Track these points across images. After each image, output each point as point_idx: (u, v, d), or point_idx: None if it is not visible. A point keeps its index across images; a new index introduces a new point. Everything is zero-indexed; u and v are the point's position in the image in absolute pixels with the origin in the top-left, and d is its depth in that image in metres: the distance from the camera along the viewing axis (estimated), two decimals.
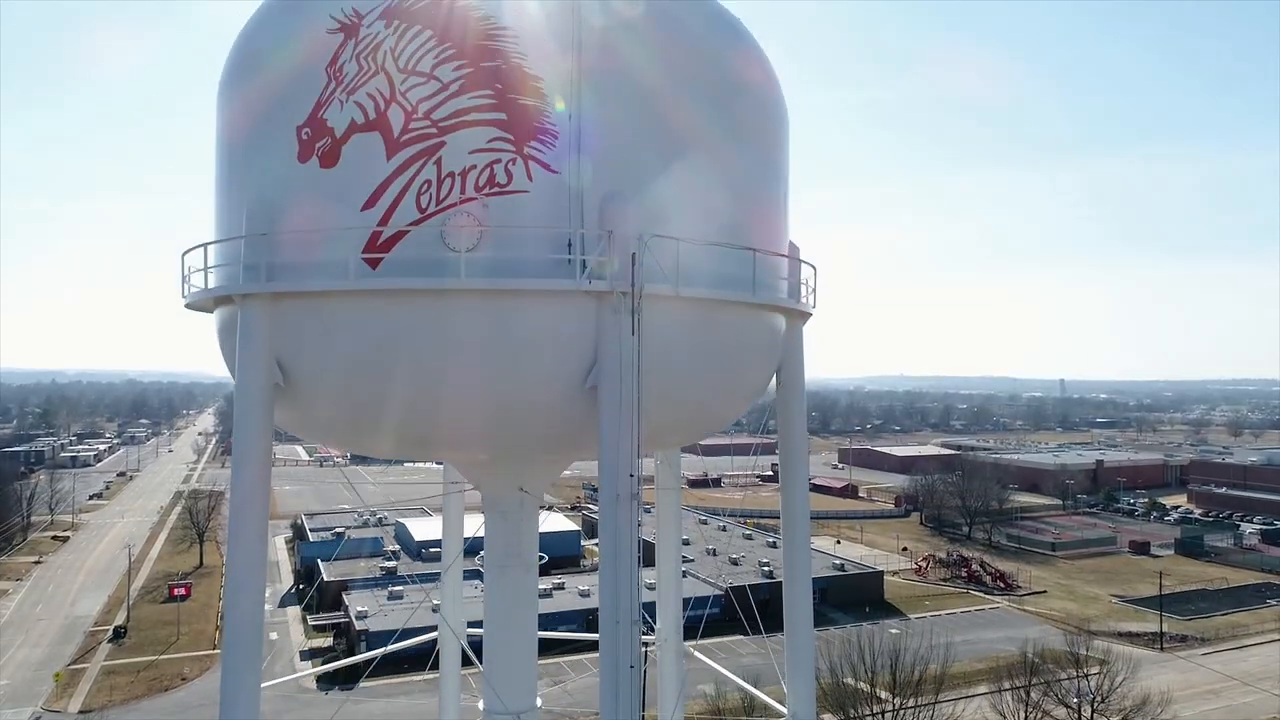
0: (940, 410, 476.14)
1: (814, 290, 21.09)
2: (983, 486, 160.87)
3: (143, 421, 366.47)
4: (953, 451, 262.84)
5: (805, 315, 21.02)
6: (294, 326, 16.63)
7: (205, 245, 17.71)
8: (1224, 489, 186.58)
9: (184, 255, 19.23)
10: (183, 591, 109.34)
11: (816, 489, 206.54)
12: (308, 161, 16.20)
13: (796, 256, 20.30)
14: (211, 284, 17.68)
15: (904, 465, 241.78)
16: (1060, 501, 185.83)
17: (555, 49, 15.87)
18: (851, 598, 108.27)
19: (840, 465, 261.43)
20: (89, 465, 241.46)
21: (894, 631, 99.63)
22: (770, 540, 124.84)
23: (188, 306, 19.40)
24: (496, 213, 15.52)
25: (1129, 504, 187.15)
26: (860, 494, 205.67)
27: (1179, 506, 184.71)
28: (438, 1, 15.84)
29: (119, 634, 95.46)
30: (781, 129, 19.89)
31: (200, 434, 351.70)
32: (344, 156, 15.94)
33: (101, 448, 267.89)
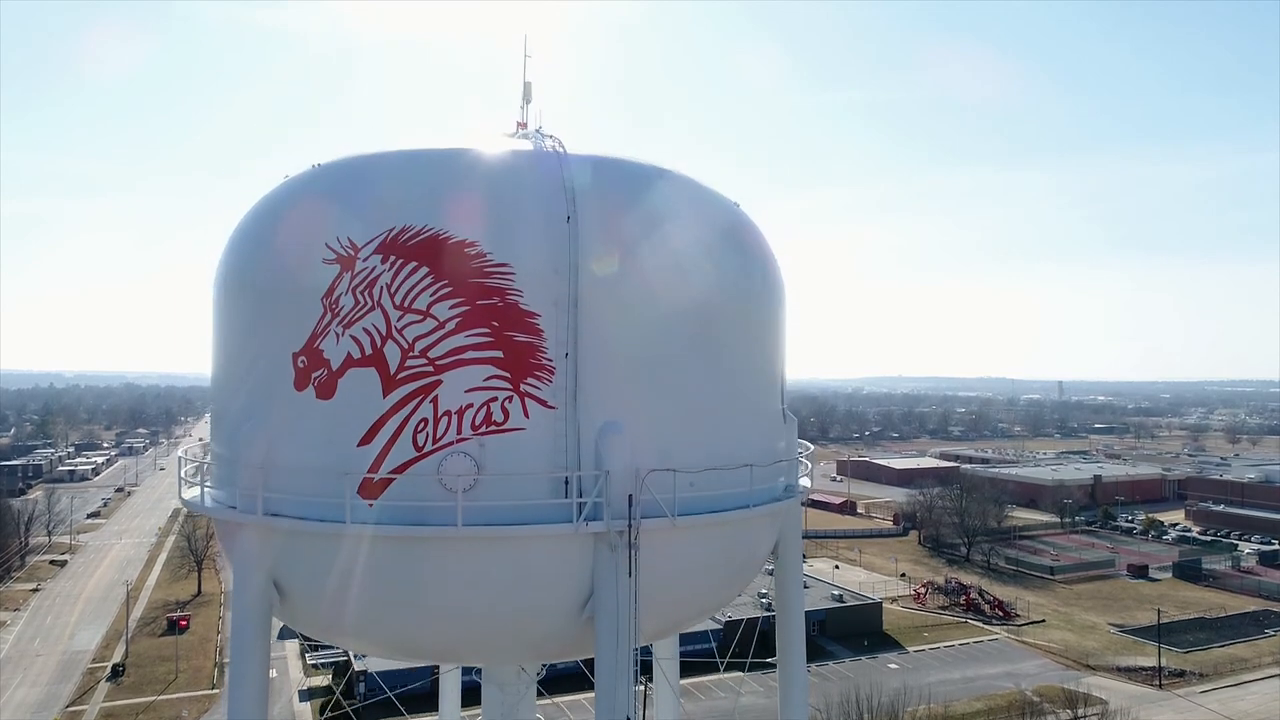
0: (938, 416, 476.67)
1: (810, 467, 21.15)
2: (981, 507, 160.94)
3: (140, 431, 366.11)
4: (951, 464, 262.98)
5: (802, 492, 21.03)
6: (290, 554, 16.61)
7: (202, 463, 17.73)
8: (1222, 506, 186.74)
9: (181, 456, 19.25)
10: (181, 624, 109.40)
11: (815, 504, 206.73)
12: (304, 390, 16.17)
13: (795, 455, 20.32)
14: (209, 501, 17.66)
15: (903, 478, 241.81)
16: (1059, 519, 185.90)
17: (552, 282, 15.87)
18: (850, 630, 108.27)
19: (838, 478, 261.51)
20: (86, 479, 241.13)
21: (893, 667, 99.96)
22: (769, 568, 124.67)
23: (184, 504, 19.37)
24: (493, 452, 15.51)
25: (1127, 520, 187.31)
26: (859, 509, 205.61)
27: (1177, 524, 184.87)
28: (434, 237, 15.81)
29: (117, 672, 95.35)
30: (779, 315, 19.89)
31: (199, 441, 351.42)
32: (340, 390, 15.91)
33: (99, 460, 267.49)
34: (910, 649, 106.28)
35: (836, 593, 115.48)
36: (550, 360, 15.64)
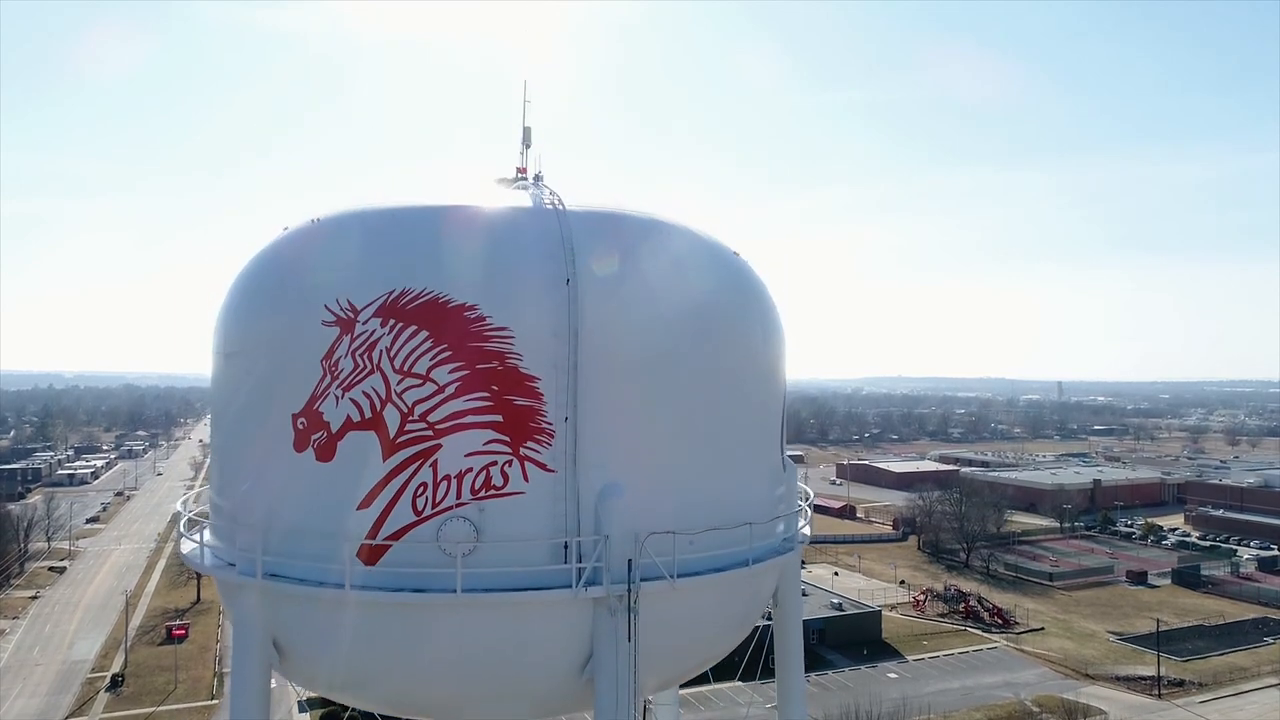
0: (938, 417, 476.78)
1: (810, 516, 21.14)
2: (980, 512, 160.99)
3: (140, 434, 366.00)
4: (950, 467, 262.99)
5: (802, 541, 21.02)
6: (289, 615, 16.59)
7: (201, 524, 17.73)
8: (1221, 511, 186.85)
9: (181, 506, 19.24)
10: (180, 633, 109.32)
11: (815, 508, 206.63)
12: (304, 452, 16.15)
13: (794, 503, 20.32)
14: (208, 560, 17.65)
15: (902, 481, 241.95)
16: (1058, 524, 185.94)
17: (552, 346, 15.86)
18: (849, 638, 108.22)
19: (838, 481, 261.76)
20: (86, 483, 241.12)
21: (892, 676, 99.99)
22: None
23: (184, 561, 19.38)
24: (493, 517, 15.51)
25: (1126, 525, 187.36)
26: (858, 514, 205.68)
27: (1176, 529, 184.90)
28: (434, 300, 15.80)
29: (116, 683, 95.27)
30: (780, 365, 19.89)
31: (199, 443, 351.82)
32: (340, 453, 15.90)
33: (99, 464, 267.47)
34: (910, 658, 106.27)
35: (835, 601, 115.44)
36: (550, 424, 15.64)
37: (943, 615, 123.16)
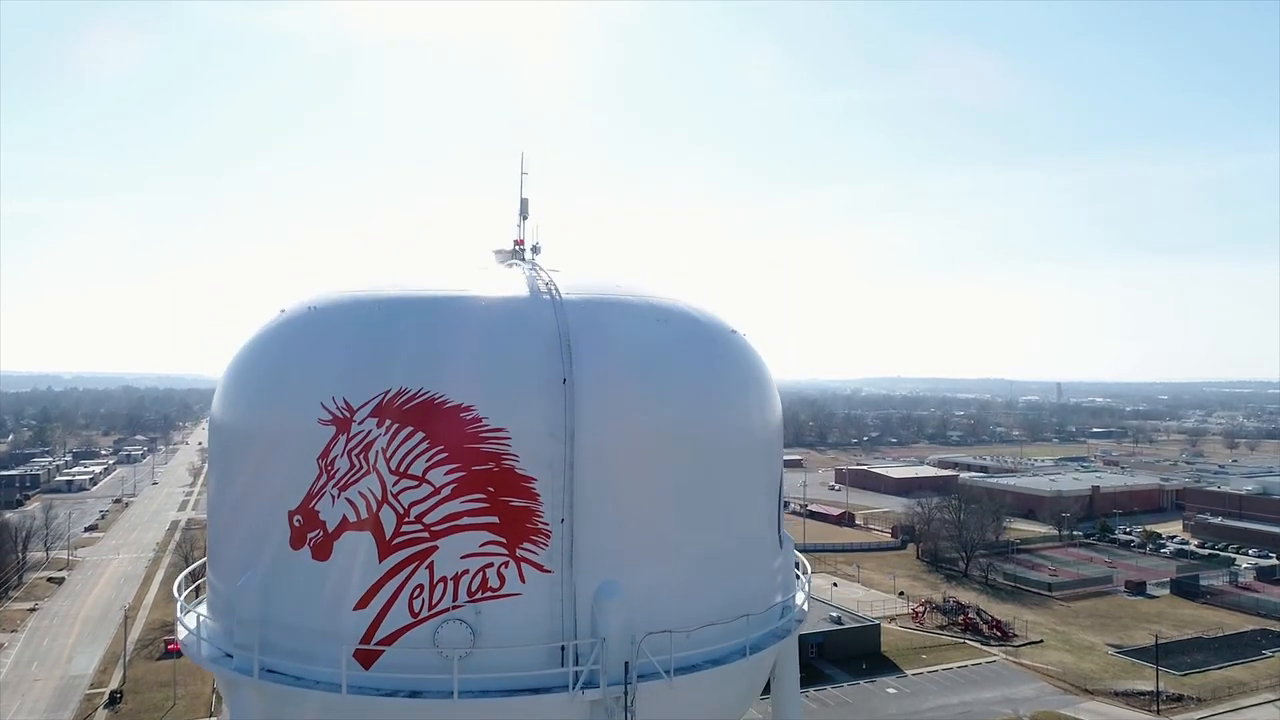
0: (937, 420, 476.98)
1: (809, 588, 21.11)
2: (979, 522, 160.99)
3: (139, 438, 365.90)
4: (949, 472, 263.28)
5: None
6: (285, 711, 16.53)
7: (199, 616, 17.70)
8: (1219, 518, 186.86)
9: (177, 591, 19.21)
10: (178, 647, 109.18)
11: (814, 516, 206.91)
12: (300, 549, 16.13)
13: (791, 573, 20.30)
14: (205, 650, 17.62)
15: (901, 488, 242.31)
16: (1057, 531, 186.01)
17: (548, 446, 15.82)
18: (848, 652, 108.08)
19: (836, 486, 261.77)
20: (84, 490, 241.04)
21: (891, 691, 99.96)
22: None
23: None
24: (490, 619, 15.47)
25: (1125, 533, 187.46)
26: (857, 521, 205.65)
27: (1175, 536, 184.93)
28: (430, 401, 15.76)
29: (115, 699, 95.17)
30: (777, 445, 19.85)
31: (198, 446, 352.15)
32: (336, 552, 15.88)
33: (97, 469, 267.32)
34: (908, 672, 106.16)
35: (834, 614, 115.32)
36: (546, 524, 15.61)
37: (941, 627, 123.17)
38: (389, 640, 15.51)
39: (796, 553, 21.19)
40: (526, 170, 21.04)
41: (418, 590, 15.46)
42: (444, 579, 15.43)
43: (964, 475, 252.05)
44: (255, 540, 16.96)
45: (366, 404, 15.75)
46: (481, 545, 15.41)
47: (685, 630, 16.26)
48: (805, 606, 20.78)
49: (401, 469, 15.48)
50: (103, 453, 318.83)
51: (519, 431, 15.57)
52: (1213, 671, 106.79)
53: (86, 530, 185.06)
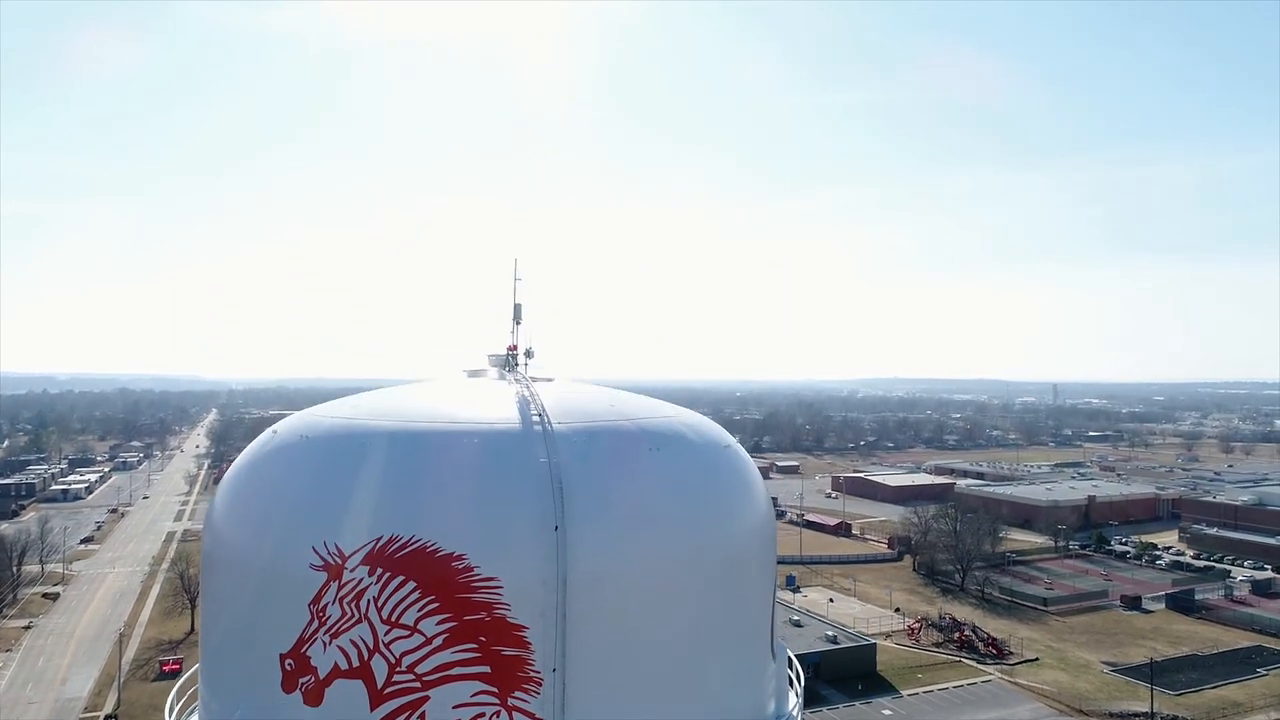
0: (934, 424, 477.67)
1: (800, 695, 21.13)
2: (975, 536, 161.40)
3: (134, 444, 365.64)
4: (946, 480, 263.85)
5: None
6: None
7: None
8: (1215, 529, 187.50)
9: (172, 698, 19.18)
10: (174, 667, 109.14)
11: (810, 525, 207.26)
12: (292, 693, 16.08)
13: (784, 683, 20.30)
14: None
15: (898, 496, 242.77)
16: (1053, 542, 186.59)
17: (540, 594, 15.79)
18: (844, 672, 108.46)
19: (833, 494, 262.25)
20: (80, 499, 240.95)
21: (887, 713, 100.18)
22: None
23: None
24: None
25: (1121, 543, 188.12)
26: (854, 530, 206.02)
27: (1170, 547, 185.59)
28: (422, 549, 15.74)
29: None
30: (771, 554, 19.85)
31: (195, 452, 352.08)
32: (328, 699, 15.84)
33: (93, 477, 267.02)
34: (904, 692, 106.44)
35: (831, 633, 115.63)
36: (538, 673, 15.59)
37: (937, 644, 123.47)
38: None
39: (789, 655, 21.16)
40: (520, 276, 21.02)
41: None
42: None
43: (961, 483, 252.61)
44: (248, 676, 16.93)
45: (359, 550, 15.72)
46: (473, 695, 15.39)
47: None
48: (797, 714, 20.79)
49: (393, 619, 15.45)
50: (99, 459, 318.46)
51: (511, 580, 15.54)
52: (1208, 691, 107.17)
53: (82, 542, 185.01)
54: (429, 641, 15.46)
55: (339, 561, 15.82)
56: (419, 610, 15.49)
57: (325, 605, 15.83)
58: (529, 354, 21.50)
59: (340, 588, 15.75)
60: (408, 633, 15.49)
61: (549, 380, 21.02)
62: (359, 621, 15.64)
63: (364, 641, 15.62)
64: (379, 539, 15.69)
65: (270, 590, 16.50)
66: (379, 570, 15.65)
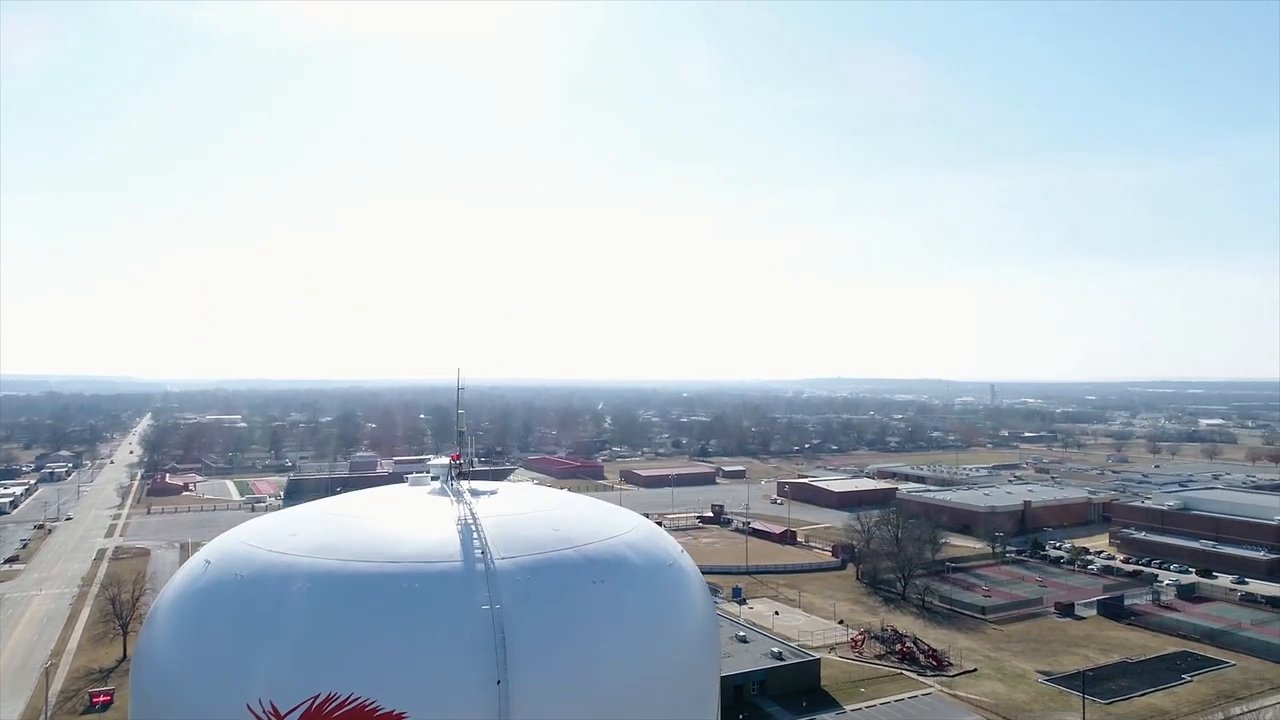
0: (876, 426, 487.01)
1: None
2: (916, 544, 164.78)
3: (63, 454, 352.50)
4: (889, 485, 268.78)
5: None
6: None
7: None
8: (1144, 533, 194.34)
9: None
10: (105, 699, 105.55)
11: (756, 534, 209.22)
12: None
13: None
14: None
15: (842, 502, 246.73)
16: (991, 549, 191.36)
17: None
18: (789, 688, 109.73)
19: (779, 500, 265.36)
20: (4, 514, 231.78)
21: None
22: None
23: None
24: None
25: (1055, 547, 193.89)
26: (799, 539, 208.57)
27: (1102, 551, 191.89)
28: (361, 708, 15.38)
29: None
30: (714, 654, 19.90)
31: (128, 461, 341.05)
32: None
33: (18, 491, 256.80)
34: (847, 708, 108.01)
35: (776, 649, 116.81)
36: None
37: (880, 656, 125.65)
38: None
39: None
40: (463, 385, 20.74)
41: None
42: None
43: (903, 488, 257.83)
44: None
45: (294, 710, 15.30)
46: None
47: None
48: None
49: None
50: (24, 470, 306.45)
51: None
52: (1137, 699, 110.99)
53: (6, 562, 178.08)
54: None
55: None
56: None
57: None
58: (470, 469, 21.25)
59: None
60: None
61: (492, 493, 20.79)
62: None
63: None
64: (316, 696, 15.29)
65: None
66: None
